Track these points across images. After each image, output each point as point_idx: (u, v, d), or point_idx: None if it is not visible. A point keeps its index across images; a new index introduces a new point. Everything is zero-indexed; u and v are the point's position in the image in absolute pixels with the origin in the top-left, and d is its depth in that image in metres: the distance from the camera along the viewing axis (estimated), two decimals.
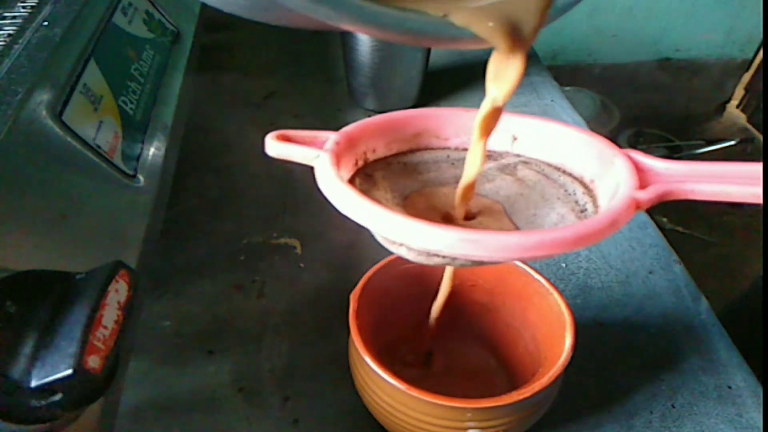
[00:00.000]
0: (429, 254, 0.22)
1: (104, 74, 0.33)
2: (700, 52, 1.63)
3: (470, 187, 0.26)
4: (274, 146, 0.26)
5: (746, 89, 1.72)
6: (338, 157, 0.25)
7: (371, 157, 0.29)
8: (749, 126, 1.71)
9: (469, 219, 0.27)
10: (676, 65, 1.65)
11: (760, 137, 1.62)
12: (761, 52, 1.62)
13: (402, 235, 0.21)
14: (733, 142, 1.54)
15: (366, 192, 0.27)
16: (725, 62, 1.66)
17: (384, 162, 0.29)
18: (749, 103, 1.71)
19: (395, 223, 0.21)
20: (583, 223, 0.20)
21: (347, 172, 0.27)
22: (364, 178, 0.28)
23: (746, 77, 1.70)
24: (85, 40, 0.33)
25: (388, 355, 0.36)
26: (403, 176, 0.29)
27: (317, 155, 0.25)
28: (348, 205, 0.22)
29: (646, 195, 0.22)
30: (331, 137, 0.26)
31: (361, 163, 0.28)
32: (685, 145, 1.58)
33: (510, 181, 0.28)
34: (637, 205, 0.22)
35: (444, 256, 0.22)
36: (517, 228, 0.26)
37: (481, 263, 0.23)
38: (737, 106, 1.76)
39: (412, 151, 0.30)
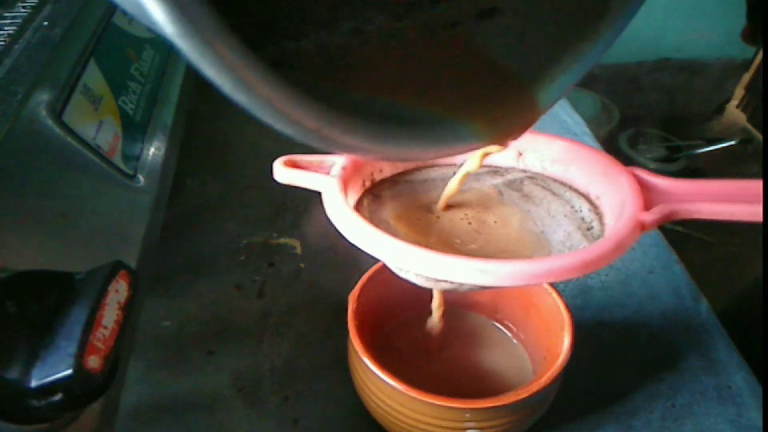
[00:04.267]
0: (437, 280, 0.22)
1: (104, 74, 0.33)
2: (700, 52, 1.63)
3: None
4: (283, 173, 0.26)
5: (746, 89, 1.71)
6: (345, 182, 0.25)
7: (378, 177, 0.29)
8: (749, 126, 1.70)
9: (453, 225, 0.27)
10: (676, 65, 1.64)
11: (760, 137, 1.62)
12: (761, 52, 1.62)
13: (410, 264, 0.21)
14: (733, 142, 1.53)
15: (374, 213, 0.27)
16: (725, 62, 1.66)
17: (391, 181, 0.29)
18: (749, 103, 1.71)
19: (403, 253, 0.21)
20: (589, 250, 0.21)
21: (355, 194, 0.27)
22: (372, 198, 0.28)
23: (746, 77, 1.70)
24: (85, 40, 0.33)
25: (388, 352, 0.36)
26: (409, 195, 0.29)
27: (325, 181, 0.25)
28: (356, 235, 0.22)
29: (651, 216, 0.22)
30: (337, 162, 0.26)
31: (368, 184, 0.28)
32: (685, 145, 1.58)
33: (516, 197, 0.28)
34: (642, 227, 0.22)
35: (452, 282, 0.22)
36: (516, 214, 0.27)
37: (489, 288, 0.24)
38: (737, 106, 1.75)
39: (418, 168, 0.30)
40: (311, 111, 0.14)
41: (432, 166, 0.30)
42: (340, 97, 0.17)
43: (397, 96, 0.18)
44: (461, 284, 0.22)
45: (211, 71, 0.11)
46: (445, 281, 0.22)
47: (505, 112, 0.20)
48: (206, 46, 0.11)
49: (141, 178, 0.33)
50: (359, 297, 0.32)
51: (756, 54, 1.64)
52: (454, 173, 0.30)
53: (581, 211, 0.26)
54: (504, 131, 0.20)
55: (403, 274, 0.24)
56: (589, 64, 0.20)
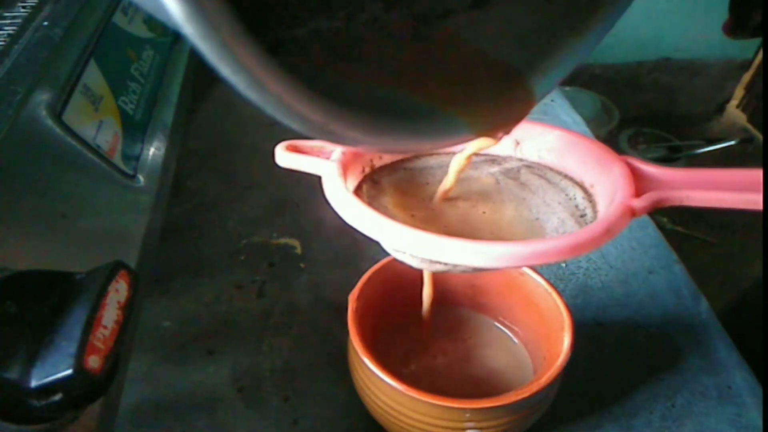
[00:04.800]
0: (431, 261, 0.23)
1: (104, 74, 0.33)
2: (700, 52, 1.63)
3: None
4: (284, 157, 0.27)
5: (746, 89, 1.71)
6: (345, 167, 0.26)
7: (378, 163, 0.29)
8: (749, 126, 1.70)
9: (450, 212, 0.28)
10: (676, 65, 1.64)
11: (760, 137, 1.62)
12: (761, 52, 1.62)
13: (406, 245, 0.21)
14: (733, 142, 1.53)
15: (374, 198, 0.27)
16: (725, 62, 1.66)
17: (390, 168, 0.30)
18: (749, 103, 1.71)
19: (399, 234, 0.21)
20: (578, 233, 0.21)
21: (355, 180, 0.27)
22: (371, 184, 0.28)
23: (746, 77, 1.70)
24: (85, 40, 0.33)
25: (388, 352, 0.36)
26: (409, 181, 0.29)
27: (325, 165, 0.25)
28: (354, 217, 0.23)
29: (641, 203, 0.22)
30: (338, 148, 0.26)
31: (368, 169, 0.29)
32: (685, 145, 1.58)
33: (513, 185, 0.29)
34: (632, 213, 0.22)
35: (446, 263, 0.22)
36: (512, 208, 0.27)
37: (481, 270, 0.24)
38: (737, 106, 1.75)
39: (417, 156, 0.30)
40: (316, 105, 0.14)
41: (431, 154, 0.31)
42: (340, 89, 0.17)
43: (394, 86, 0.18)
44: (455, 265, 0.23)
45: (225, 69, 0.12)
46: (440, 262, 0.22)
47: (495, 104, 0.20)
48: (224, 46, 0.11)
49: (141, 178, 0.33)
50: (359, 297, 0.32)
51: (756, 54, 1.64)
52: None
53: (575, 198, 0.27)
54: (494, 124, 0.20)
55: (398, 256, 0.24)
56: (579, 58, 0.21)
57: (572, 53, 0.20)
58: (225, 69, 0.12)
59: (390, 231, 0.22)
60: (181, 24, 0.11)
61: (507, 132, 0.21)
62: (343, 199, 0.23)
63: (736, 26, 0.28)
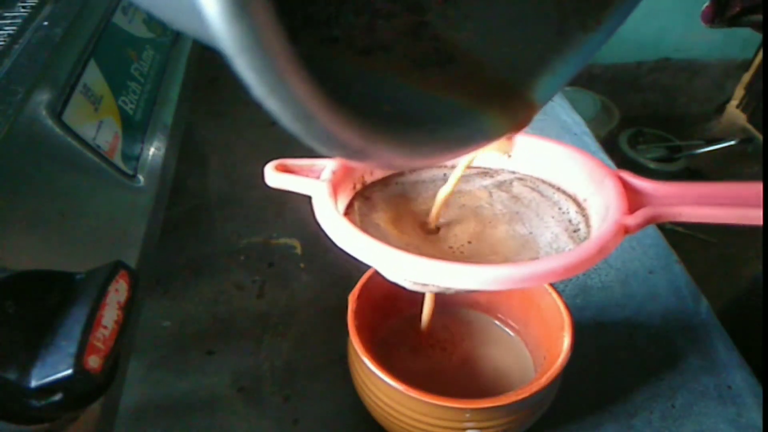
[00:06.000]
0: (424, 284, 0.23)
1: (104, 74, 0.33)
2: (700, 52, 1.63)
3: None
4: (274, 178, 0.26)
5: (746, 89, 1.71)
6: (335, 186, 0.25)
7: (369, 179, 0.29)
8: (749, 126, 1.70)
9: (444, 227, 0.27)
10: (676, 65, 1.65)
11: (760, 137, 1.62)
12: (761, 52, 1.62)
13: (397, 270, 0.21)
14: (733, 142, 1.53)
15: (365, 215, 0.27)
16: (725, 62, 1.66)
17: (382, 183, 0.29)
18: (749, 103, 1.71)
19: (390, 259, 0.21)
20: (572, 253, 0.21)
21: (346, 197, 0.27)
22: (363, 200, 0.28)
23: (746, 77, 1.70)
24: (85, 40, 0.33)
25: (388, 352, 0.36)
26: (400, 196, 0.29)
27: (315, 186, 0.25)
28: (344, 241, 0.22)
29: (634, 220, 0.22)
30: (328, 166, 0.26)
31: (359, 186, 0.28)
32: (685, 145, 1.58)
33: (506, 198, 0.29)
34: (625, 230, 0.22)
35: (438, 285, 0.22)
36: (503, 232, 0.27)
37: (474, 291, 0.24)
38: (737, 106, 1.76)
39: (409, 171, 0.30)
40: (356, 130, 0.13)
41: (423, 168, 0.31)
42: (366, 101, 0.16)
43: (403, 83, 0.18)
44: (448, 288, 0.22)
45: (274, 102, 0.11)
46: (433, 285, 0.22)
47: (507, 105, 0.20)
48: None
49: (141, 178, 0.33)
50: (359, 297, 0.32)
51: (756, 54, 1.64)
52: (444, 175, 0.30)
53: (569, 212, 0.27)
54: (507, 126, 0.20)
55: (392, 278, 0.24)
56: (588, 56, 0.20)
57: (582, 51, 0.20)
58: (274, 102, 0.11)
59: (381, 256, 0.21)
60: (233, 55, 0.10)
61: (515, 133, 0.21)
62: (333, 222, 0.23)
63: (714, 15, 0.28)
